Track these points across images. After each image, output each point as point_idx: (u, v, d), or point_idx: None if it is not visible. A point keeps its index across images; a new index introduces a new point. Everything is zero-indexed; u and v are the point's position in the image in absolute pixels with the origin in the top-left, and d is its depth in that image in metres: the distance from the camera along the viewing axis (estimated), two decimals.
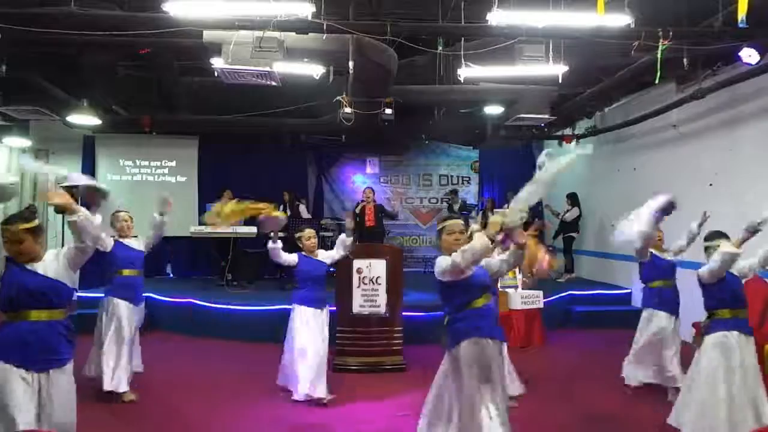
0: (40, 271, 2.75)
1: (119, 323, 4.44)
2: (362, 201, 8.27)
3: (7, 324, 2.72)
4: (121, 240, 4.63)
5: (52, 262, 2.80)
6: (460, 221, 3.16)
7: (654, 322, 4.60)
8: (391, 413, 4.27)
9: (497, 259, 3.13)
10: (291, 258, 4.62)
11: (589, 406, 4.51)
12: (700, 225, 4.56)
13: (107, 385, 4.26)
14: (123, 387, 4.33)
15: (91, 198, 3.90)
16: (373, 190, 8.46)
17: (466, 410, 2.83)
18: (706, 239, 3.78)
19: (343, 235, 4.88)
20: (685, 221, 6.72)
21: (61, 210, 2.76)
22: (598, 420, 4.22)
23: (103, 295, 4.64)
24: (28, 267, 2.75)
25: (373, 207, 8.20)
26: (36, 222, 2.78)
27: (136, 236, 4.73)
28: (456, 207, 9.79)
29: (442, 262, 2.89)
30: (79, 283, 6.97)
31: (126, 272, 4.56)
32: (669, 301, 4.62)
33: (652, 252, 4.67)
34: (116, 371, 4.33)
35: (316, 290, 4.62)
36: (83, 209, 2.76)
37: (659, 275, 4.67)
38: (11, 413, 2.55)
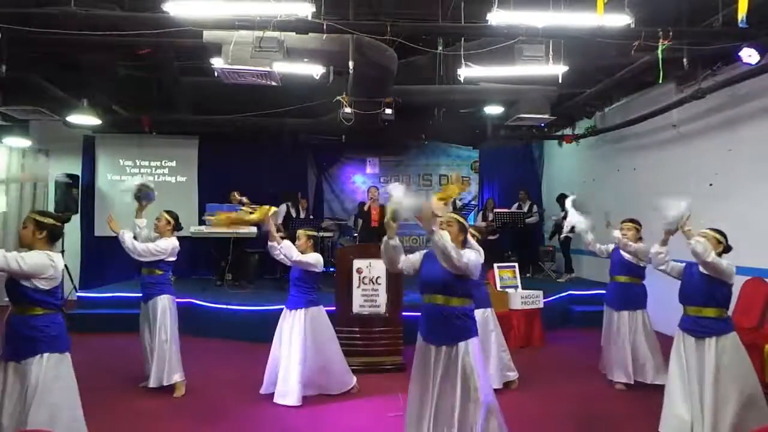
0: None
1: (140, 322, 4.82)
2: (368, 200, 8.26)
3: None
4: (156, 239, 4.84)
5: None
6: (455, 216, 3.32)
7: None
8: (391, 413, 4.27)
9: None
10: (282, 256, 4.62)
11: (589, 405, 4.52)
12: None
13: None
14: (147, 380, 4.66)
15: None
16: (378, 189, 8.45)
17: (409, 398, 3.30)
18: None
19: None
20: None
21: None
22: (597, 419, 4.23)
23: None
24: None
25: (379, 207, 8.20)
26: (47, 220, 3.03)
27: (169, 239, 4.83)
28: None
29: None
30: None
31: (143, 271, 4.79)
32: (615, 297, 5.16)
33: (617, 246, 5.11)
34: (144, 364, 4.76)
35: (290, 291, 4.64)
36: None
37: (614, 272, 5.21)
38: None
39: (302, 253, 4.52)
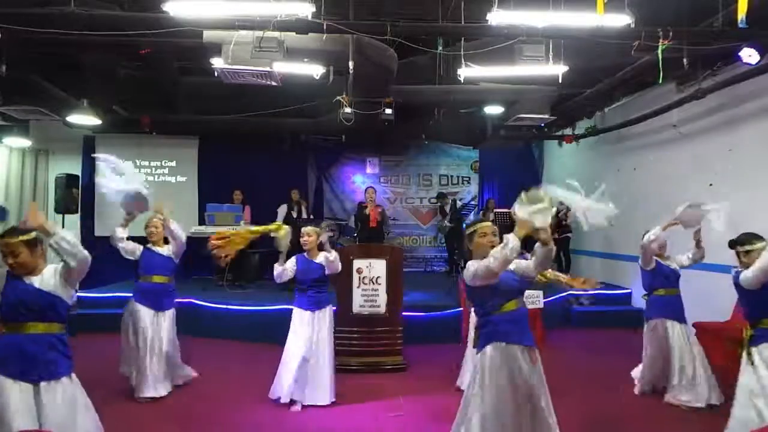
0: (36, 285, 2.81)
1: (137, 327, 4.53)
2: (366, 201, 8.28)
3: (6, 335, 2.79)
4: (149, 246, 4.73)
5: (51, 277, 2.86)
6: (490, 223, 3.11)
7: (661, 331, 4.57)
8: (390, 413, 4.27)
9: (525, 262, 3.07)
10: (291, 264, 4.57)
11: (588, 405, 4.51)
12: (698, 245, 4.55)
13: (137, 391, 4.43)
14: (147, 392, 4.42)
15: (139, 206, 4.32)
16: (375, 190, 8.47)
17: (491, 416, 2.84)
18: (738, 243, 3.45)
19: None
20: None
21: (42, 232, 2.77)
22: (597, 419, 4.22)
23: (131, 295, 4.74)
24: (26, 280, 2.81)
25: (377, 208, 8.24)
26: (33, 235, 2.83)
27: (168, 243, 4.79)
28: (447, 208, 9.79)
29: (472, 267, 2.87)
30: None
31: (148, 278, 4.66)
32: (676, 310, 4.60)
33: (656, 260, 4.65)
34: (142, 376, 4.44)
35: (307, 293, 4.54)
36: (58, 230, 2.77)
37: (664, 283, 4.63)
38: (8, 421, 2.62)
39: (312, 250, 4.53)
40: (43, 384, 2.73)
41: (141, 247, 4.69)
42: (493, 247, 2.95)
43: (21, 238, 2.78)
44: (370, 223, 8.05)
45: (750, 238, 3.43)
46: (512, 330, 2.93)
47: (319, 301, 4.56)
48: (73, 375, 2.89)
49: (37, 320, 2.78)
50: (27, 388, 2.70)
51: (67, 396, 2.79)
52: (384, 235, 8.42)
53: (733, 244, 3.49)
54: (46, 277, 2.84)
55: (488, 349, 2.91)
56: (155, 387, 4.46)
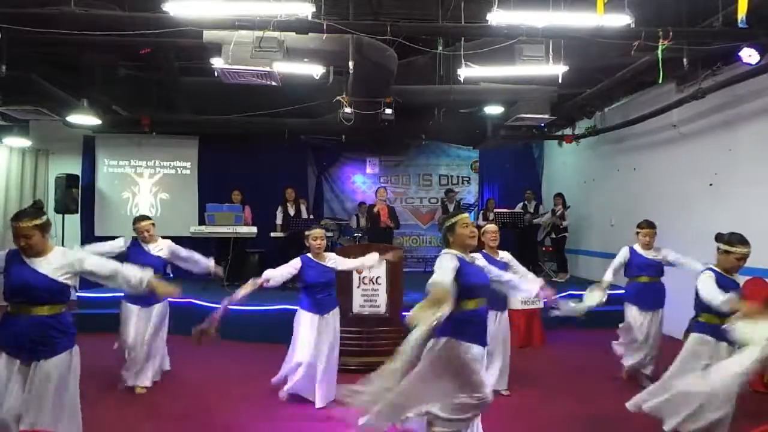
0: (42, 270, 2.84)
1: (127, 324, 4.69)
2: (377, 201, 8.37)
3: (10, 315, 2.87)
4: (140, 245, 4.81)
5: (59, 267, 2.88)
6: (468, 214, 3.14)
7: (627, 314, 4.97)
8: None
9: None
10: (289, 269, 4.39)
11: (589, 404, 4.51)
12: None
13: (128, 381, 4.65)
14: (132, 381, 4.67)
15: None
16: (386, 190, 8.53)
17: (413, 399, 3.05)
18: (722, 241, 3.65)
19: (375, 257, 4.78)
20: (686, 222, 6.72)
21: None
22: (597, 418, 4.22)
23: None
24: (29, 263, 2.84)
25: (387, 207, 8.30)
26: (45, 218, 2.90)
27: (157, 242, 4.91)
28: (451, 207, 9.80)
29: (438, 270, 2.96)
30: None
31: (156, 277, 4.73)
32: (641, 297, 4.90)
33: (633, 249, 4.97)
34: (129, 367, 4.67)
35: (316, 296, 4.43)
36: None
37: (636, 272, 4.95)
38: None
39: (321, 253, 4.50)
40: (39, 362, 2.80)
41: (122, 241, 4.78)
42: (473, 237, 3.08)
43: (34, 222, 2.83)
44: (381, 223, 8.10)
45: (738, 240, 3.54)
46: (478, 329, 3.04)
47: (328, 304, 4.49)
48: (74, 349, 2.96)
49: (43, 303, 2.84)
50: (15, 362, 2.79)
51: (61, 368, 2.86)
52: (392, 234, 8.49)
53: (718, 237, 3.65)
54: (54, 264, 2.87)
55: (442, 340, 3.07)
56: (136, 377, 4.67)
